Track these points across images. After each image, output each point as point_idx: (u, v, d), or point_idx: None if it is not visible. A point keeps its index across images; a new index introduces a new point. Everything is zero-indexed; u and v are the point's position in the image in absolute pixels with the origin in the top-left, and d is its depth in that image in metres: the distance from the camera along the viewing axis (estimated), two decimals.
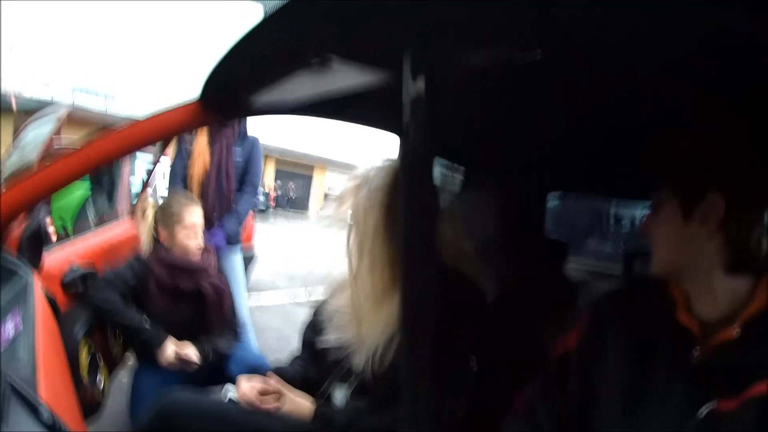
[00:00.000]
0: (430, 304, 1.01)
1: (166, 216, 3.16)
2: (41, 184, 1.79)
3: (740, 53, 1.12)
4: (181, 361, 2.92)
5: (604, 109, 1.78)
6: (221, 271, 3.41)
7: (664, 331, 1.42)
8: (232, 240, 4.39)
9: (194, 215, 3.15)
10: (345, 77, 1.36)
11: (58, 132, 2.97)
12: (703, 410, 1.27)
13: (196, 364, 2.95)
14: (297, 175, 38.36)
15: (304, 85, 1.46)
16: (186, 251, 3.11)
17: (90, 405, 2.53)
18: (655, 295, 1.49)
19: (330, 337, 2.10)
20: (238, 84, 1.59)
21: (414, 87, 0.93)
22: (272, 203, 32.81)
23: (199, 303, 3.11)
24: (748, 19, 0.92)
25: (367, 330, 1.97)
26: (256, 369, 2.30)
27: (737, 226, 1.30)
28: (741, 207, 1.28)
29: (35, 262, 2.22)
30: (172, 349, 2.91)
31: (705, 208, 1.31)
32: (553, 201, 5.48)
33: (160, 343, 2.91)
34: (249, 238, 7.54)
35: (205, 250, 3.26)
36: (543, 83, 1.52)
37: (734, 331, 1.28)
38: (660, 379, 1.39)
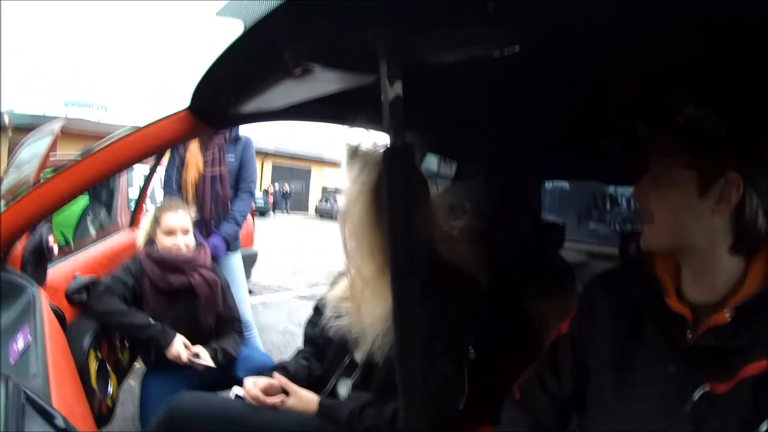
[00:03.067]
0: (417, 292, 1.02)
1: (151, 220, 3.23)
2: (41, 201, 1.82)
3: (740, 33, 1.15)
4: (191, 358, 2.94)
5: (598, 88, 1.79)
6: (215, 268, 3.41)
7: (655, 315, 1.43)
8: (231, 245, 4.41)
9: (171, 219, 3.18)
10: (326, 81, 1.39)
11: (53, 147, 2.98)
12: (697, 393, 1.28)
13: (206, 363, 2.97)
14: (295, 171, 38.28)
15: (288, 92, 1.49)
16: (167, 249, 3.15)
17: (101, 413, 2.55)
18: (644, 279, 1.50)
19: (331, 327, 2.14)
20: (225, 95, 1.62)
21: (391, 90, 0.96)
22: (270, 202, 32.68)
23: (193, 298, 3.13)
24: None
25: (366, 316, 2.00)
26: (262, 369, 2.32)
27: (750, 206, 1.31)
28: (753, 188, 1.28)
29: (40, 277, 2.24)
30: (181, 344, 2.94)
31: (724, 186, 1.31)
32: (550, 184, 5.51)
33: (168, 339, 2.94)
34: (249, 239, 7.56)
35: (197, 246, 3.29)
36: (533, 68, 1.53)
37: (726, 315, 1.29)
38: (653, 362, 1.40)
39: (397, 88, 0.96)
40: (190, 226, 3.27)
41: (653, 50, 1.30)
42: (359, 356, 2.07)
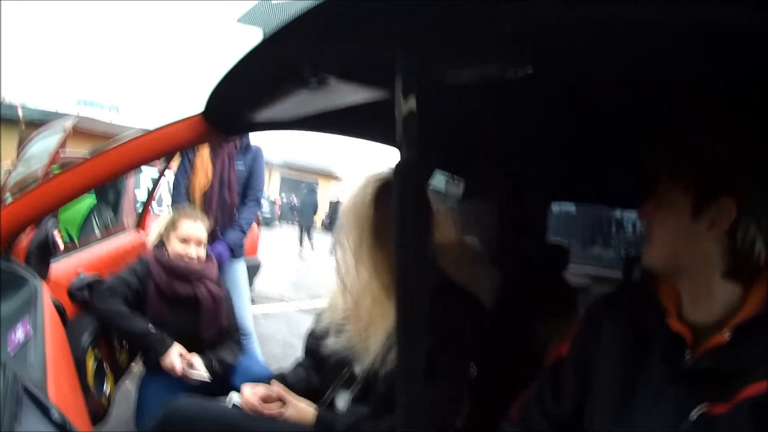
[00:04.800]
0: (424, 312, 1.01)
1: (167, 223, 3.21)
2: (49, 196, 1.83)
3: (742, 52, 1.15)
4: (186, 369, 2.94)
5: (604, 113, 1.80)
6: (221, 281, 3.40)
7: (656, 336, 1.42)
8: (236, 252, 4.41)
9: (189, 227, 3.17)
10: (341, 94, 1.39)
11: (63, 144, 3.00)
12: (695, 413, 1.27)
13: (200, 376, 2.96)
14: (303, 184, 38.39)
15: (302, 102, 1.50)
16: (179, 257, 3.13)
17: (96, 412, 2.55)
18: (646, 301, 1.49)
19: (332, 344, 2.13)
20: (239, 101, 1.63)
21: (406, 104, 0.96)
22: (278, 213, 32.68)
23: (196, 309, 3.11)
24: (750, 18, 0.96)
25: (368, 335, 1.99)
26: (261, 379, 2.31)
27: (743, 234, 1.30)
28: (751, 215, 1.27)
29: (43, 271, 2.24)
30: (177, 354, 2.94)
31: (716, 210, 1.30)
32: (556, 207, 5.50)
33: (165, 348, 2.93)
34: (253, 248, 7.56)
35: (207, 259, 3.28)
36: (541, 91, 1.53)
37: (725, 335, 1.28)
38: (652, 382, 1.39)
39: (411, 103, 0.96)
40: (205, 238, 3.26)
41: (662, 70, 1.31)
42: (359, 370, 2.06)
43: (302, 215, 23.15)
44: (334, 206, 32.83)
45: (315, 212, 24.05)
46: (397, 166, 0.99)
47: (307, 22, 0.96)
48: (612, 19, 1.00)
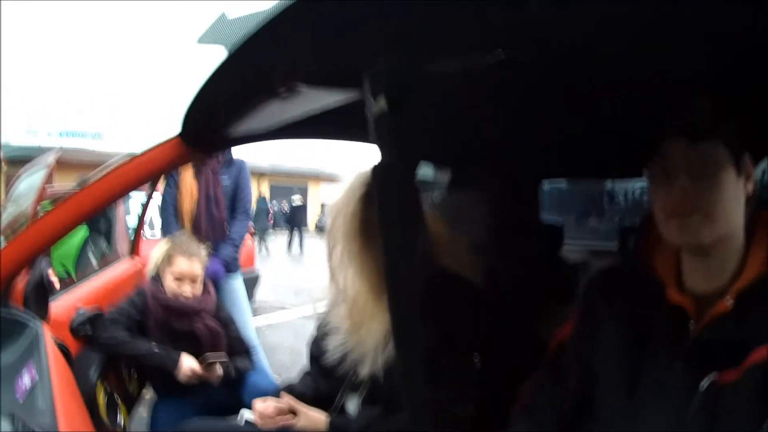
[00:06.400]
0: (417, 311, 1.02)
1: (163, 256, 3.18)
2: (39, 236, 1.83)
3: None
4: (202, 374, 2.95)
5: (597, 102, 1.81)
6: (221, 305, 3.40)
7: (657, 310, 1.42)
8: (231, 267, 4.42)
9: (183, 265, 3.13)
10: (314, 99, 1.39)
11: (49, 179, 2.99)
12: (704, 383, 1.27)
13: (218, 376, 2.99)
14: (293, 190, 38.29)
15: (277, 112, 1.50)
16: (174, 295, 3.11)
17: None
18: (642, 274, 1.49)
19: (333, 348, 2.13)
20: (214, 119, 1.63)
21: (376, 105, 0.96)
22: (270, 221, 32.62)
23: (196, 344, 3.10)
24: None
25: (365, 336, 1.99)
26: (269, 392, 2.33)
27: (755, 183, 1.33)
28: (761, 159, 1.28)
29: (42, 312, 2.23)
30: (188, 363, 2.94)
31: (745, 161, 1.33)
32: (548, 184, 5.49)
33: (174, 361, 2.93)
34: (250, 260, 7.56)
35: (204, 291, 3.26)
36: (530, 79, 1.54)
37: (728, 303, 1.28)
38: (658, 358, 1.39)
39: (381, 104, 0.96)
40: (201, 273, 3.23)
41: (662, 61, 1.32)
42: (364, 372, 2.05)
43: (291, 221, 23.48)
44: (324, 208, 32.85)
45: (304, 216, 24.36)
46: (375, 167, 1.00)
47: (267, 33, 0.96)
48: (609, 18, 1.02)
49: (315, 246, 22.14)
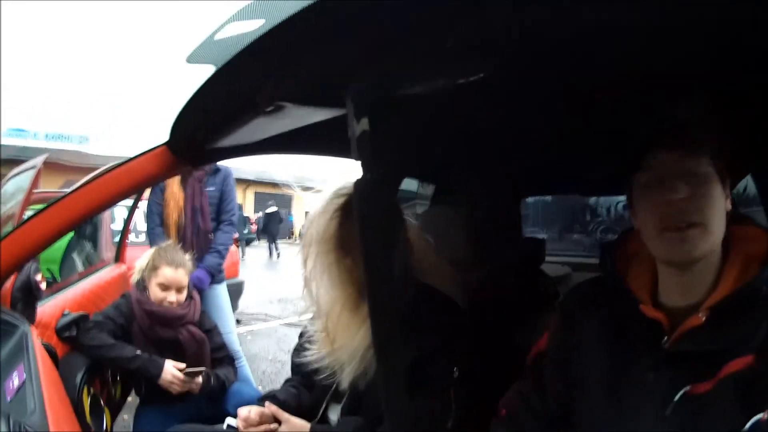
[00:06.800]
0: (396, 321, 1.04)
1: (149, 264, 3.20)
2: (26, 243, 1.85)
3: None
4: (184, 380, 2.96)
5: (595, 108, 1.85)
6: (205, 313, 3.42)
7: (632, 324, 1.45)
8: (215, 277, 4.44)
9: (168, 274, 3.14)
10: (300, 116, 1.41)
11: (36, 183, 3.00)
12: (678, 394, 1.30)
13: (199, 384, 3.01)
14: (277, 197, 38.10)
15: (262, 128, 1.52)
16: (158, 302, 3.13)
17: None
18: (617, 289, 1.51)
19: (311, 359, 2.15)
20: (200, 132, 1.65)
21: (358, 125, 0.99)
22: (254, 230, 32.48)
23: (180, 351, 3.12)
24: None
25: (341, 348, 2.02)
26: (253, 401, 2.33)
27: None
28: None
29: (30, 315, 2.26)
30: (171, 369, 2.95)
31: (726, 179, 1.36)
32: (531, 198, 5.52)
33: (158, 367, 2.94)
34: (234, 269, 7.57)
35: (188, 299, 3.27)
36: (515, 94, 1.59)
37: (701, 317, 1.31)
38: (634, 370, 1.42)
39: (364, 124, 1.00)
40: (185, 283, 3.24)
41: (654, 58, 1.35)
42: (342, 383, 2.07)
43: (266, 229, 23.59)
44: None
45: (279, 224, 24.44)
46: (357, 181, 1.01)
47: (258, 50, 0.98)
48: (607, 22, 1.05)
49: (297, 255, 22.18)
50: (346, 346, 2.01)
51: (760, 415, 1.20)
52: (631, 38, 1.20)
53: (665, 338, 1.38)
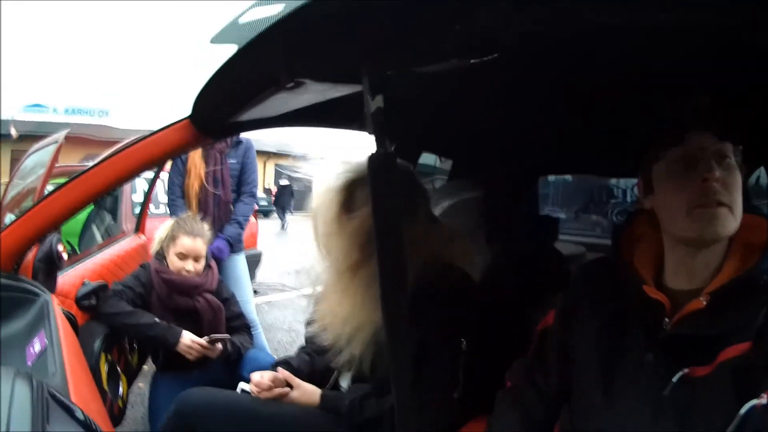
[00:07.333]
0: (407, 294, 1.06)
1: (167, 234, 3.25)
2: (49, 214, 1.89)
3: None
4: (203, 348, 3.01)
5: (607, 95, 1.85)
6: (223, 282, 3.46)
7: (634, 305, 1.47)
8: (235, 247, 4.49)
9: (187, 243, 3.19)
10: (319, 92, 1.44)
11: (57, 157, 3.03)
12: (676, 377, 1.32)
13: (218, 351, 3.05)
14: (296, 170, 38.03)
15: (284, 102, 1.56)
16: (177, 271, 3.18)
17: (113, 414, 2.63)
18: (622, 270, 1.53)
19: (317, 329, 2.20)
20: (224, 106, 1.68)
21: (373, 103, 1.02)
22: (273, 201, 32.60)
23: (198, 320, 3.16)
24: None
25: (340, 315, 2.06)
26: (267, 367, 2.39)
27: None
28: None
29: (51, 285, 2.30)
30: (189, 338, 3.00)
31: (741, 164, 1.37)
32: (552, 177, 5.50)
33: (175, 335, 2.99)
34: (253, 240, 7.61)
35: (206, 269, 3.31)
36: (528, 70, 1.57)
37: (702, 301, 1.33)
38: (633, 353, 1.43)
39: (378, 101, 1.01)
40: (204, 253, 3.28)
41: (659, 53, 1.36)
42: (346, 353, 2.09)
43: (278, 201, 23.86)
44: None
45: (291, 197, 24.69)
46: (371, 156, 1.04)
47: (280, 30, 1.01)
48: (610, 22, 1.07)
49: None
50: (345, 314, 2.05)
51: (755, 401, 1.21)
52: (631, 38, 1.22)
53: (666, 320, 1.40)
